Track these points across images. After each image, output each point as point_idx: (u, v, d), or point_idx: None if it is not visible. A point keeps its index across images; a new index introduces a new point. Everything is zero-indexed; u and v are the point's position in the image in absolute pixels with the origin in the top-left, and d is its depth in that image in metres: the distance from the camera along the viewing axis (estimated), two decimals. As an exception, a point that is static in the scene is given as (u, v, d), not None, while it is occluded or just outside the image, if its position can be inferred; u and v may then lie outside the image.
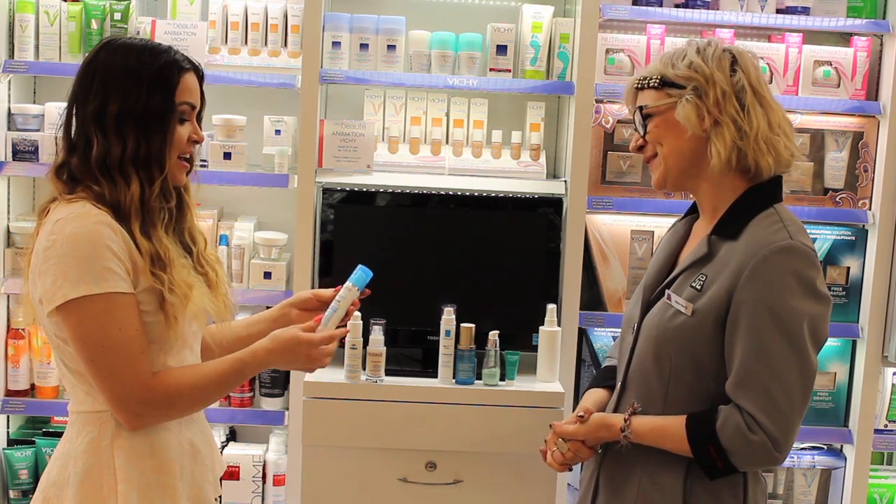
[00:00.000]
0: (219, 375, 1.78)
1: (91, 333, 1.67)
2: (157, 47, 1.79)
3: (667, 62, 1.87)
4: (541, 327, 2.81)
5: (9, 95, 3.06)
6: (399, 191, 2.98)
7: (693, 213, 2.00)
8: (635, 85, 1.92)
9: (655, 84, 1.87)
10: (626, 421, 1.85)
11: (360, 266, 1.94)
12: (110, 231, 1.68)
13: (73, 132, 1.77)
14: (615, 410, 1.94)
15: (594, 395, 2.05)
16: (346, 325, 1.94)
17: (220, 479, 2.04)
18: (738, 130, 1.80)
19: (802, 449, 3.24)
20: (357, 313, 2.71)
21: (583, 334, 3.10)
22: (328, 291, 2.00)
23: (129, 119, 1.73)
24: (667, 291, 1.86)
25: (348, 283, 1.92)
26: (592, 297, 3.08)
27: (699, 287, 1.80)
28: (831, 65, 3.09)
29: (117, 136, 1.73)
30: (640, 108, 1.90)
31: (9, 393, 3.05)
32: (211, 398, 1.81)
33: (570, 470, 2.00)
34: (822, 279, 1.77)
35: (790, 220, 1.81)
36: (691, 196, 1.96)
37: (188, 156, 1.83)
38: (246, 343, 1.88)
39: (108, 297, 1.66)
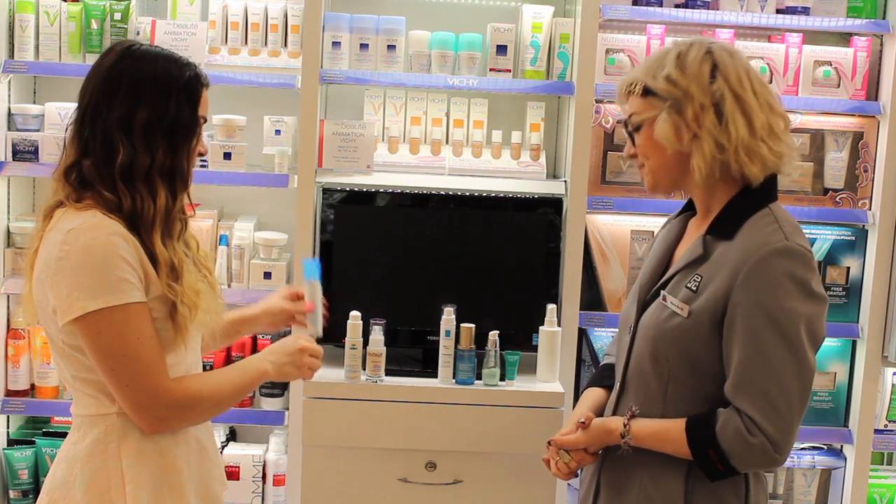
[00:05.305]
0: (231, 387, 1.82)
1: (111, 344, 1.68)
2: (180, 59, 1.80)
3: (649, 70, 1.83)
4: (541, 327, 2.81)
5: (9, 95, 3.05)
6: (399, 191, 2.98)
7: (688, 209, 1.98)
8: (623, 90, 1.89)
9: (640, 92, 1.84)
10: (625, 426, 1.85)
11: (303, 261, 2.07)
12: (123, 242, 1.69)
13: (87, 134, 1.74)
14: (615, 411, 1.93)
15: (593, 395, 2.05)
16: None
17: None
18: (716, 145, 1.76)
19: (802, 449, 3.24)
20: (357, 313, 2.72)
21: (583, 334, 3.10)
22: (297, 303, 2.08)
23: (157, 129, 1.73)
24: (662, 292, 1.86)
25: (309, 280, 2.03)
26: (592, 297, 3.08)
27: (694, 288, 1.80)
28: (831, 65, 3.09)
29: (145, 146, 1.72)
30: (628, 118, 1.88)
31: (9, 393, 3.05)
32: (225, 406, 1.85)
33: (577, 476, 2.00)
34: (817, 279, 1.76)
35: (785, 220, 1.80)
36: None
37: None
38: (233, 329, 2.05)
39: (125, 308, 1.67)
